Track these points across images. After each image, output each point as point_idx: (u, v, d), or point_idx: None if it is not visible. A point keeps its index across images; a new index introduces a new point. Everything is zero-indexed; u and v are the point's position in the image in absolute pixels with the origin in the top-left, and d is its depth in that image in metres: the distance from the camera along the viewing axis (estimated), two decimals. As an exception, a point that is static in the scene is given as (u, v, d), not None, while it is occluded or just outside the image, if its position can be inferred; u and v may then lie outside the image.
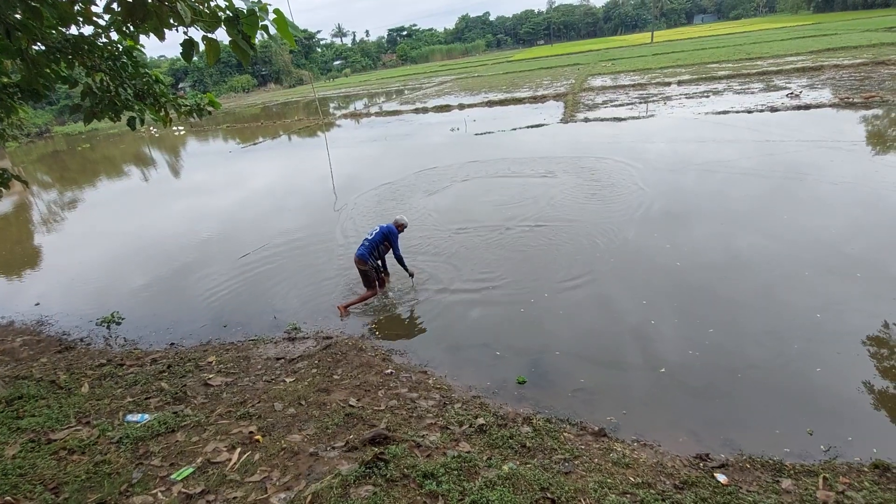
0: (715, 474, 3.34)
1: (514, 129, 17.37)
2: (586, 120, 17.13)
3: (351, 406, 4.13)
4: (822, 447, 3.62)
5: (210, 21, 2.54)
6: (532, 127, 17.40)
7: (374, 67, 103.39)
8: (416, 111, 26.37)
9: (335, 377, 4.76)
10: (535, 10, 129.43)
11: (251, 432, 3.74)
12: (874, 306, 5.16)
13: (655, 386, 4.47)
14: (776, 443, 3.70)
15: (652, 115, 16.53)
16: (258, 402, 4.30)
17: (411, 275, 6.72)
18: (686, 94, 19.42)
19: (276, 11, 2.47)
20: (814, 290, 5.60)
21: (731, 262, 6.45)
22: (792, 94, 16.45)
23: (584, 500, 2.93)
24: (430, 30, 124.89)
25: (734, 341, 4.92)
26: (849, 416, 3.92)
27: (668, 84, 22.66)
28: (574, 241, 7.64)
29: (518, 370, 4.88)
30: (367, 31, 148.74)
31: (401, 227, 6.61)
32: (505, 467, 3.24)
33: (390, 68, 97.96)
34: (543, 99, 23.72)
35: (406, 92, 38.79)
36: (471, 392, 4.61)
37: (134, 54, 5.21)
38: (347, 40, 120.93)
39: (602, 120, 16.77)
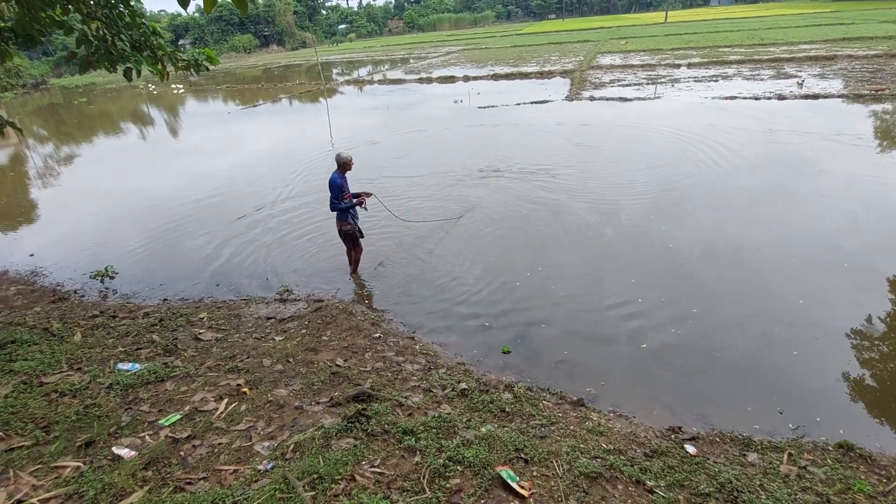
0: (685, 446, 3.47)
1: (518, 105, 17.15)
2: (591, 98, 16.90)
3: (338, 366, 4.23)
4: (790, 426, 3.74)
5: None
6: (536, 103, 17.17)
7: (379, 33, 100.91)
8: (421, 81, 25.92)
9: (324, 338, 4.85)
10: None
11: (239, 385, 3.84)
12: (856, 296, 5.25)
13: (636, 361, 4.58)
14: (747, 419, 3.82)
15: (658, 98, 16.31)
16: (247, 358, 4.39)
17: (365, 208, 6.25)
18: (695, 78, 19.13)
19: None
20: (799, 278, 5.67)
21: (721, 247, 6.51)
22: (800, 82, 16.23)
23: (556, 461, 3.05)
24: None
25: (716, 322, 5.02)
26: (820, 398, 4.04)
27: (678, 66, 22.28)
28: (572, 218, 7.67)
29: (504, 341, 4.98)
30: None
31: (342, 166, 5.88)
32: (483, 429, 3.35)
33: (396, 35, 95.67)
34: (550, 75, 23.31)
35: (412, 61, 37.99)
36: (456, 359, 4.72)
37: (131, 3, 5.10)
38: (353, 3, 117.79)
39: (608, 99, 16.55)
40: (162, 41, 5.36)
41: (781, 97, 14.54)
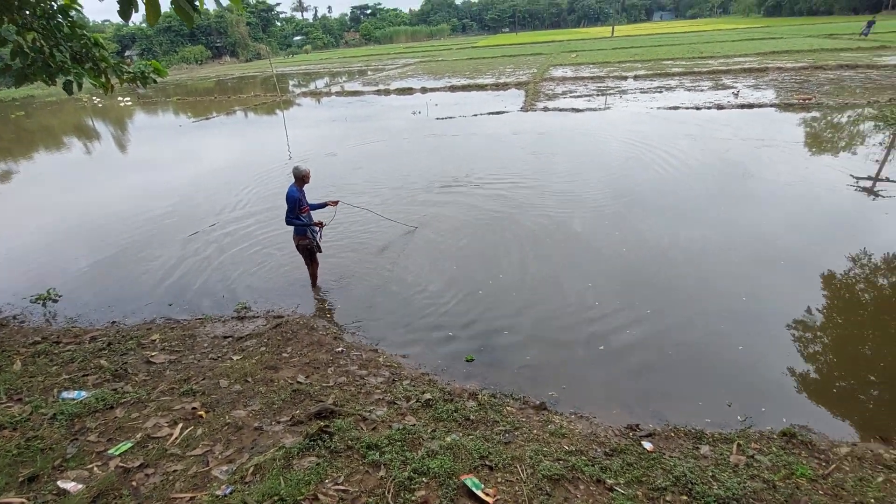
0: (642, 442, 3.60)
1: (476, 115, 17.46)
2: (546, 109, 17.42)
3: (299, 383, 4.15)
4: (739, 417, 3.96)
5: (149, -20, 2.44)
6: (493, 114, 17.53)
7: (336, 45, 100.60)
8: (379, 93, 25.96)
9: (284, 355, 4.74)
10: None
11: (194, 408, 3.70)
12: (792, 291, 5.63)
13: (595, 363, 4.73)
14: (699, 413, 4.01)
15: (608, 108, 17.00)
16: (203, 380, 4.24)
17: (320, 225, 6.12)
18: (641, 89, 20.08)
19: (220, -25, 2.40)
20: (742, 276, 6.02)
21: (671, 250, 6.83)
22: (735, 92, 17.35)
23: (520, 466, 3.10)
24: (395, 10, 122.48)
25: (668, 321, 5.25)
26: (764, 389, 4.29)
27: (625, 78, 23.33)
28: (531, 226, 7.85)
29: (468, 349, 5.02)
30: (329, 7, 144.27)
31: (299, 179, 5.76)
32: (448, 438, 3.37)
33: (353, 47, 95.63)
34: (506, 86, 23.88)
35: (369, 72, 38.09)
36: (420, 369, 4.72)
37: (71, 14, 4.90)
38: (308, 15, 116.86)
39: (561, 110, 17.11)
40: (105, 53, 5.16)
41: (720, 107, 15.48)
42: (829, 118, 13.70)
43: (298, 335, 5.19)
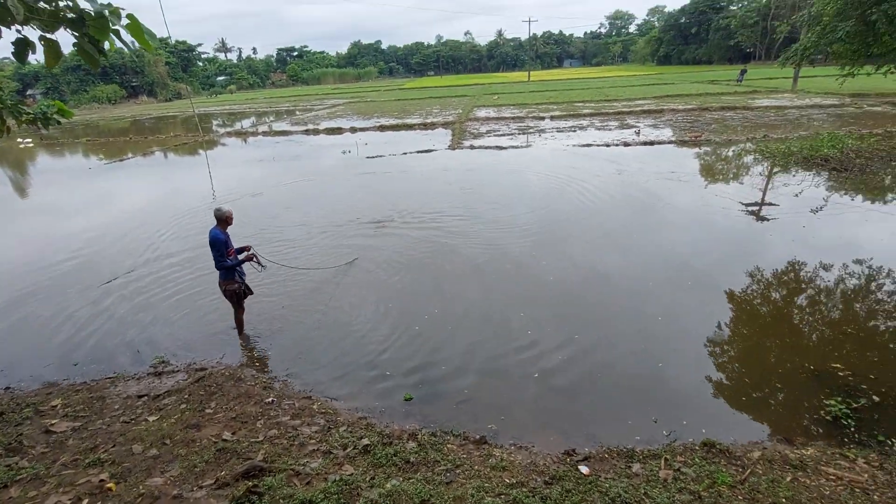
0: (579, 467, 3.69)
1: (406, 154, 17.82)
2: (472, 147, 18.19)
3: (224, 440, 3.85)
4: (664, 432, 4.18)
5: (48, 21, 2.31)
6: (422, 152, 17.98)
7: (262, 86, 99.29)
8: (308, 132, 25.79)
9: (208, 411, 4.39)
10: (425, 43, 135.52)
11: (102, 480, 3.30)
12: (701, 308, 6.16)
13: (530, 390, 4.83)
14: (629, 432, 4.20)
15: (530, 146, 18.09)
16: (112, 447, 3.80)
17: (261, 265, 5.98)
18: (557, 128, 21.63)
19: (130, 17, 2.33)
20: (657, 297, 6.51)
21: (593, 275, 7.25)
22: (638, 131, 19.21)
23: (463, 504, 3.06)
24: (322, 53, 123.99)
25: (596, 345, 5.51)
26: (684, 402, 4.59)
27: (543, 118, 25.04)
28: (463, 260, 8.01)
29: (406, 388, 4.94)
30: (254, 49, 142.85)
31: (222, 221, 5.51)
32: (388, 485, 3.26)
33: (280, 88, 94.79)
34: (433, 126, 24.71)
35: (297, 112, 37.87)
36: (357, 414, 4.56)
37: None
38: (233, 56, 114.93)
39: (486, 148, 17.95)
40: (0, 93, 4.74)
41: (627, 144, 17.01)
42: (717, 152, 15.48)
43: (224, 388, 4.84)
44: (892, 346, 5.25)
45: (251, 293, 6.02)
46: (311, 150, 20.78)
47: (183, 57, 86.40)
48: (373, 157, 17.56)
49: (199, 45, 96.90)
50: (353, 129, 25.36)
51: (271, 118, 35.80)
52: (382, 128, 25.26)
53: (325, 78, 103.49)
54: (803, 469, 3.50)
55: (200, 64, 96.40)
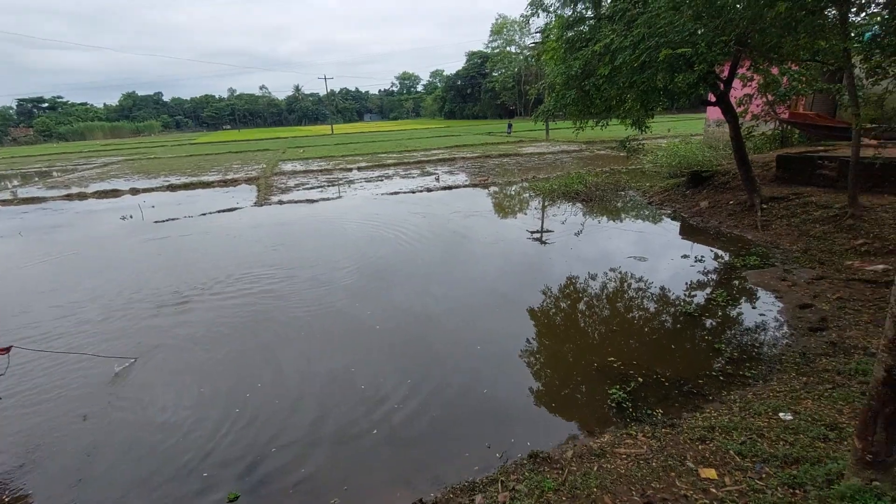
0: (427, 515, 3.69)
1: (205, 214, 16.12)
2: (281, 202, 17.48)
3: None
4: (497, 455, 4.48)
5: None
6: (225, 211, 16.53)
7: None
8: (71, 197, 21.31)
9: None
10: (217, 96, 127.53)
11: None
12: (511, 328, 6.92)
13: (371, 448, 4.68)
14: (469, 464, 4.37)
15: (341, 197, 18.26)
16: None
17: None
18: (365, 179, 22.42)
19: None
20: (475, 326, 7.09)
21: (416, 316, 7.54)
22: (437, 178, 21.25)
23: None
24: (85, 104, 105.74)
25: (428, 386, 5.67)
26: (509, 421, 5.00)
27: (350, 170, 25.69)
28: (283, 322, 7.47)
29: (230, 485, 4.29)
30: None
31: None
32: None
33: (26, 145, 77.10)
34: (235, 182, 23.04)
35: (55, 174, 31.24)
36: (167, 536, 3.75)
37: None
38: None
39: (296, 202, 17.46)
40: None
41: (429, 189, 18.58)
42: (503, 192, 18.05)
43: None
44: (644, 334, 6.70)
45: None
46: (76, 217, 17.19)
47: None
48: (164, 221, 15.39)
49: None
50: (135, 191, 21.96)
51: (15, 182, 28.64)
52: (173, 187, 22.46)
53: (91, 133, 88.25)
54: (604, 456, 4.14)
55: None
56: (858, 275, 7.58)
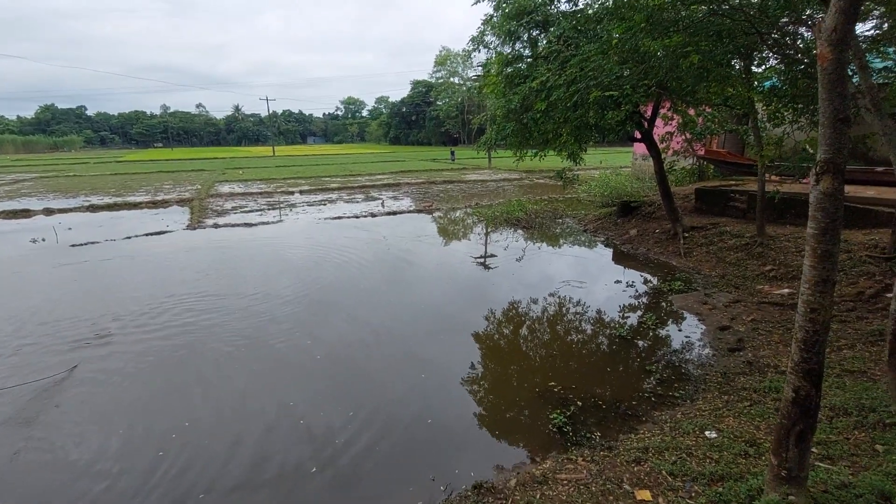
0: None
1: (130, 238, 15.02)
2: (216, 226, 16.69)
3: None
4: (441, 488, 4.40)
5: None
6: (153, 234, 15.50)
7: None
8: (-34, 219, 19.15)
9: None
10: (148, 112, 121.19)
11: None
12: (456, 353, 6.90)
13: (312, 491, 4.44)
14: (413, 500, 4.26)
15: (282, 221, 17.73)
16: None
17: None
18: (308, 202, 21.98)
19: None
20: (420, 352, 7.02)
21: (357, 344, 7.33)
22: (382, 203, 21.25)
23: None
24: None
25: (372, 418, 5.49)
26: (454, 450, 4.96)
27: (292, 193, 25.09)
28: (217, 354, 7.03)
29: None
30: None
31: None
32: None
33: None
34: (165, 204, 21.76)
35: (-57, 193, 27.88)
36: None
37: None
38: None
39: (234, 226, 16.74)
40: None
41: (374, 214, 18.52)
42: (447, 217, 18.33)
43: None
44: (582, 356, 6.94)
45: None
46: (-29, 242, 15.44)
47: None
48: (82, 245, 14.16)
49: None
50: (49, 211, 20.14)
51: None
52: (94, 208, 20.84)
53: (0, 146, 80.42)
54: (546, 483, 4.18)
55: None
56: (768, 298, 8.34)
